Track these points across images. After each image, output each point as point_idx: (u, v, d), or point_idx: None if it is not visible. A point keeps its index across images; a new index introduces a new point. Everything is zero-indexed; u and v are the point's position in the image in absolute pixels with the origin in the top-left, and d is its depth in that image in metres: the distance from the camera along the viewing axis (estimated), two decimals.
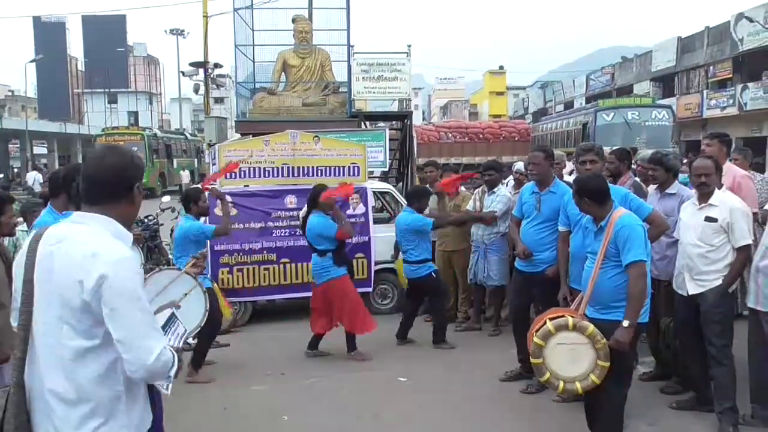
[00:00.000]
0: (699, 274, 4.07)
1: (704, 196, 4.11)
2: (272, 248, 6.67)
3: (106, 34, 53.84)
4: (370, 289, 6.98)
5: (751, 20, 25.09)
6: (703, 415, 4.18)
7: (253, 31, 12.83)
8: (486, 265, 6.19)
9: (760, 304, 3.87)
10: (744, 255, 4.01)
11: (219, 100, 50.94)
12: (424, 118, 70.75)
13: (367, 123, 13.28)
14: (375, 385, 5.08)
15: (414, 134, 13.85)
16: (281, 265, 6.63)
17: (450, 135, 21.33)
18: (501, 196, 6.15)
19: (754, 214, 4.60)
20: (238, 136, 12.01)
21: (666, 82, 34.17)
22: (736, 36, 27.47)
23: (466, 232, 6.57)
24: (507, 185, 6.71)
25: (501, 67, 67.98)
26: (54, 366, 1.85)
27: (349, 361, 5.62)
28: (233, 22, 12.32)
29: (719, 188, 4.19)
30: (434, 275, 6.01)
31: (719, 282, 3.99)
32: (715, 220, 4.01)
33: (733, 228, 3.97)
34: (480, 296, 6.65)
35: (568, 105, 41.46)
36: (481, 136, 21.33)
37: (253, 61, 13.13)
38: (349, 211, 6.83)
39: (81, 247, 1.84)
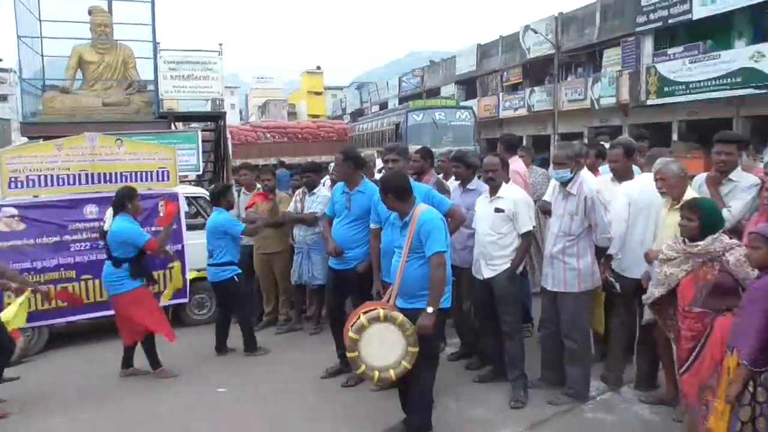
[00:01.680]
0: (492, 260, 4.51)
1: (493, 189, 4.57)
2: (71, 264, 6.08)
3: None
4: (185, 300, 6.68)
5: (535, 32, 28.23)
6: (501, 385, 4.65)
7: (40, 21, 11.56)
8: (310, 265, 6.25)
9: (556, 287, 4.39)
10: (527, 240, 4.53)
11: (1, 98, 45.01)
12: (241, 118, 69.18)
13: (179, 124, 12.67)
14: (193, 400, 4.87)
15: (229, 135, 13.50)
16: (82, 282, 6.08)
17: (268, 135, 21.14)
18: (321, 197, 6.24)
19: (534, 201, 5.18)
20: (26, 140, 10.77)
21: (469, 85, 37.10)
22: (524, 45, 30.71)
23: (285, 234, 6.58)
24: (325, 185, 6.82)
25: (318, 68, 68.80)
26: None
27: (164, 379, 5.33)
28: (14, 10, 10.98)
29: (506, 182, 4.68)
30: (237, 279, 5.81)
31: (508, 265, 4.46)
32: (502, 210, 4.47)
33: (517, 217, 4.46)
34: (300, 296, 6.71)
35: (383, 105, 43.22)
36: (299, 136, 21.43)
37: (42, 56, 11.86)
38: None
39: None
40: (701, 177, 4.44)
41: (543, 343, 4.69)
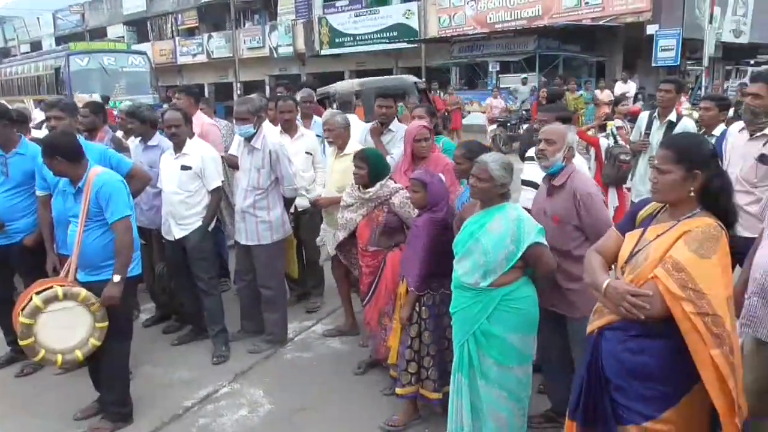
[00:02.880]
0: (182, 219, 4.37)
1: (178, 146, 4.38)
2: None
3: None
4: None
5: None
6: (202, 343, 4.65)
7: None
8: None
9: (250, 240, 4.42)
10: (217, 195, 4.48)
11: None
12: None
13: None
14: None
15: None
16: None
17: None
18: None
19: (222, 158, 5.14)
20: None
21: (140, 27, 34.28)
22: None
23: None
24: None
25: None
26: None
27: None
28: None
29: (190, 137, 4.51)
30: None
31: (200, 223, 4.37)
32: (189, 167, 4.33)
33: (205, 173, 4.36)
34: None
35: (36, 46, 37.30)
36: None
37: None
38: None
39: None
40: (366, 127, 4.96)
41: (240, 294, 4.79)
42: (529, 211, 3.49)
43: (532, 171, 3.65)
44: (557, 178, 3.06)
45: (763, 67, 19.67)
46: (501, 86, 17.73)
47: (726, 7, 19.59)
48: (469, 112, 18.45)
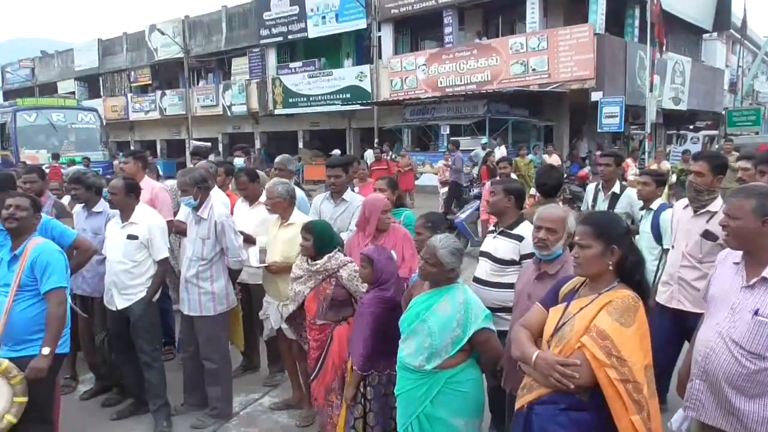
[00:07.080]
0: (125, 289, 4.23)
1: (125, 215, 4.27)
2: None
3: None
4: None
5: (162, 33, 27.47)
6: (142, 418, 4.42)
7: None
8: None
9: (192, 311, 4.30)
10: (163, 267, 4.36)
11: None
12: None
13: None
14: None
15: None
16: None
17: None
18: None
19: (170, 222, 5.03)
20: None
21: (91, 83, 34.06)
22: (152, 45, 29.63)
23: None
24: None
25: None
26: None
27: None
28: None
29: (137, 205, 4.41)
30: None
31: (144, 294, 4.24)
32: (136, 237, 4.22)
33: (153, 243, 4.26)
34: None
35: None
36: None
37: None
38: None
39: None
40: (320, 197, 4.98)
41: (184, 365, 4.61)
42: (492, 284, 3.49)
43: (491, 243, 3.64)
44: (551, 265, 2.94)
45: (701, 133, 20.75)
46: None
47: (665, 76, 20.76)
48: (422, 174, 18.78)
